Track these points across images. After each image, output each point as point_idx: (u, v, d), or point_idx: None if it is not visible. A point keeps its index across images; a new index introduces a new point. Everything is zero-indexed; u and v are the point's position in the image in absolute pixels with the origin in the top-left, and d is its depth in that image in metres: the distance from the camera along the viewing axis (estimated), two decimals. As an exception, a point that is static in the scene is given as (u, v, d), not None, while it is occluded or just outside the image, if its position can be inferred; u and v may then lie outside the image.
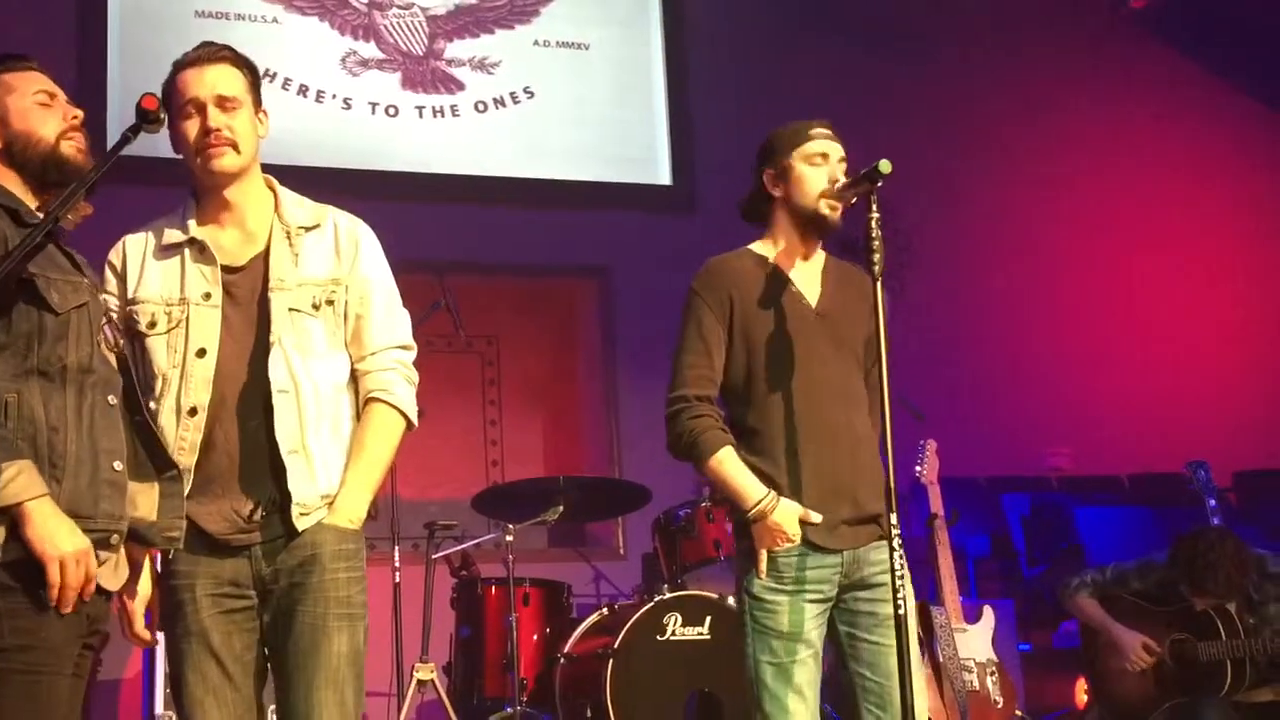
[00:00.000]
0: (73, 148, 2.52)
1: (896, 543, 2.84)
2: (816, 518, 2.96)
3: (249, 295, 2.71)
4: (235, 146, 2.70)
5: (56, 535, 2.24)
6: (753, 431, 3.05)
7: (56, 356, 2.35)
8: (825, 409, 3.02)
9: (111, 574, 2.41)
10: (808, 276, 3.14)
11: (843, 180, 3.07)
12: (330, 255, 2.78)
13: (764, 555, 2.97)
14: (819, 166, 3.08)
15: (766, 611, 2.98)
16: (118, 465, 2.40)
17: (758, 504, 2.96)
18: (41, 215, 2.44)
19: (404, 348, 2.83)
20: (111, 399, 2.43)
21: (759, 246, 3.18)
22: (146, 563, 2.63)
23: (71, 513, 2.29)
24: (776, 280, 3.11)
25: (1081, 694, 5.49)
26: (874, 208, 2.95)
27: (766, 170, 3.14)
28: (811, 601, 2.98)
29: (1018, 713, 5.23)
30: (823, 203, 3.07)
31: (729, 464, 3.00)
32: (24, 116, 2.51)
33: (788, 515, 2.94)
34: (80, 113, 2.58)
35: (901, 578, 2.86)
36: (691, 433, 3.03)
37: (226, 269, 2.72)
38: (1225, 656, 4.68)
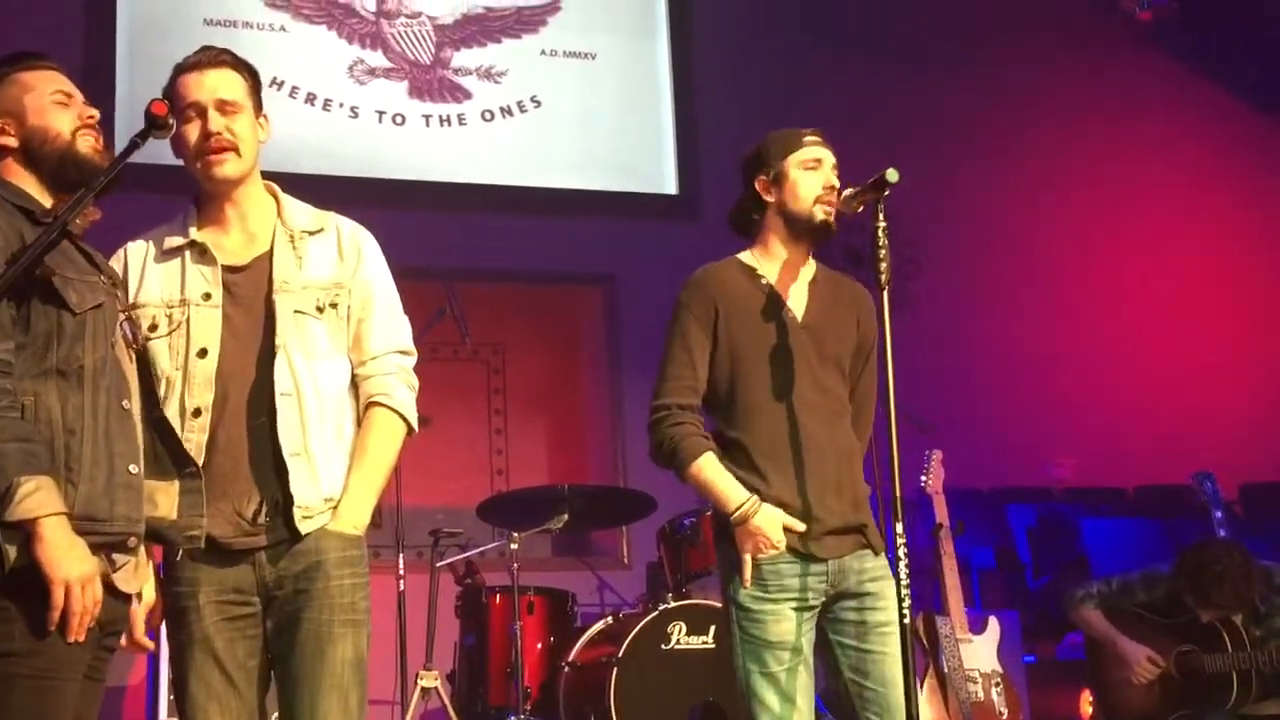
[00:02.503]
0: (89, 145, 2.51)
1: (902, 552, 2.83)
2: (800, 525, 2.94)
3: (252, 295, 2.71)
4: (236, 150, 2.70)
5: (66, 559, 2.22)
6: (735, 443, 3.03)
7: (74, 356, 2.34)
8: (807, 421, 3.00)
9: (130, 576, 2.41)
10: (796, 287, 3.12)
11: (848, 190, 3.05)
12: (334, 259, 2.78)
13: (748, 562, 2.93)
14: (813, 171, 3.07)
15: (754, 621, 2.95)
16: (133, 468, 2.40)
17: (740, 507, 2.93)
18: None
19: (404, 353, 2.83)
20: (125, 403, 2.42)
21: (747, 256, 3.15)
22: (150, 568, 2.63)
23: (87, 516, 2.29)
24: (764, 291, 3.09)
25: (1086, 706, 5.47)
26: (881, 217, 2.94)
27: (759, 177, 3.12)
28: (799, 609, 2.96)
29: (1022, 724, 5.23)
30: (818, 208, 3.05)
31: (709, 469, 2.98)
32: (41, 113, 2.49)
33: (771, 520, 2.92)
34: (96, 112, 2.57)
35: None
36: (672, 440, 3.02)
37: (228, 269, 2.72)
38: (1231, 669, 4.66)
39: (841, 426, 3.07)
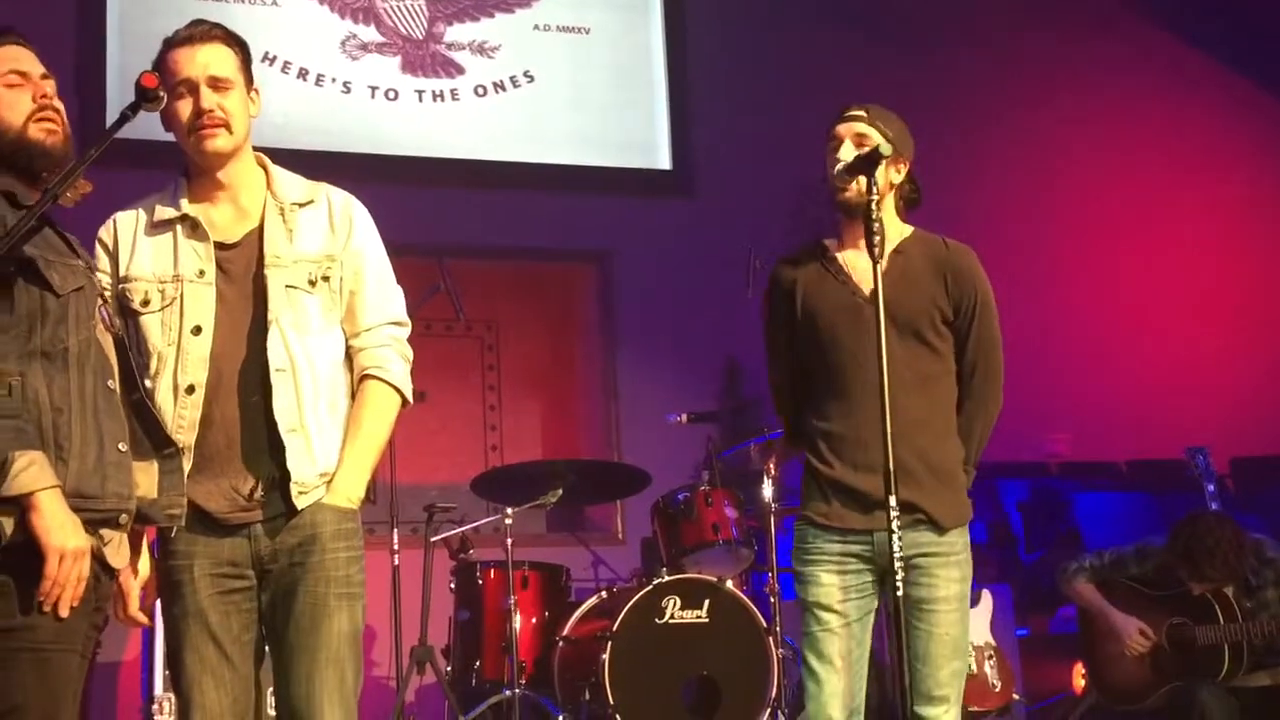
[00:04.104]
0: (42, 130, 2.43)
1: (895, 525, 2.84)
2: None
3: (244, 272, 2.70)
4: (228, 127, 2.69)
5: (64, 529, 2.23)
6: (805, 428, 3.17)
7: (58, 338, 2.33)
8: (867, 399, 2.99)
9: (115, 552, 2.41)
10: (867, 261, 3.08)
11: (839, 165, 3.09)
12: (325, 231, 2.78)
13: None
14: (833, 151, 3.15)
15: (801, 584, 3.11)
16: (121, 447, 2.40)
17: None
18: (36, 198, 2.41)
19: (398, 324, 2.83)
20: (110, 383, 2.42)
21: (831, 239, 3.24)
22: (145, 543, 2.63)
23: (79, 493, 2.29)
24: (828, 271, 3.18)
25: (1079, 679, 5.50)
26: (875, 191, 2.95)
27: None
28: (841, 573, 3.05)
29: (1015, 697, 5.26)
30: (834, 187, 3.12)
31: None
32: None
33: None
34: (50, 90, 2.46)
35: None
36: None
37: (220, 245, 2.71)
38: (1223, 641, 4.69)
39: (914, 400, 3.05)
